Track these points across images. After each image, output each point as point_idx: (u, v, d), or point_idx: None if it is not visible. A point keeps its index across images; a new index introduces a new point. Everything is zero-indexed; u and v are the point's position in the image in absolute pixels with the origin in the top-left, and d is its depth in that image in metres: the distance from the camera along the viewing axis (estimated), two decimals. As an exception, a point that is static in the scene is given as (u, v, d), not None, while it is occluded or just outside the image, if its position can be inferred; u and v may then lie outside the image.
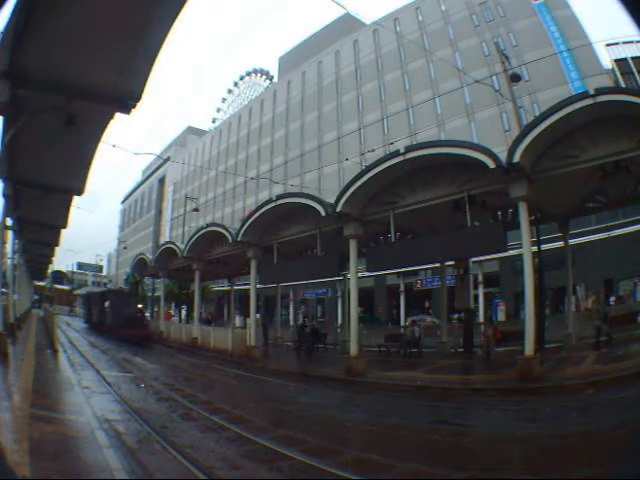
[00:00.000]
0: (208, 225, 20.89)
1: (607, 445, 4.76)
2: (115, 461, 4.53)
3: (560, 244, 15.01)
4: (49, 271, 41.74)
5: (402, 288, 34.26)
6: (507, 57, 18.47)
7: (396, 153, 11.58)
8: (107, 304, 26.01)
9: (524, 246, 10.36)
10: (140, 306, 26.30)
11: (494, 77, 22.55)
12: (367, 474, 4.71)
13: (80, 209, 18.84)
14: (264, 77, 72.63)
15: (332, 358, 16.02)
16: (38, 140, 8.65)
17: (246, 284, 22.89)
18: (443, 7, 37.63)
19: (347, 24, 43.50)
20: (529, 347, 9.62)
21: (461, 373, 12.23)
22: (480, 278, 29.28)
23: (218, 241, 19.23)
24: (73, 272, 73.86)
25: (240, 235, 16.45)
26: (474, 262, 22.56)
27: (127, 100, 7.21)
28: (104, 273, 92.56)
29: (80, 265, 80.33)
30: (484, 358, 13.29)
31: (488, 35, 33.67)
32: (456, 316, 19.42)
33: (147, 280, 38.62)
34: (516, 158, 9.62)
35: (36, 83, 6.68)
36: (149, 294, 45.42)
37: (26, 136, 8.21)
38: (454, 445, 5.98)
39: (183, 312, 37.27)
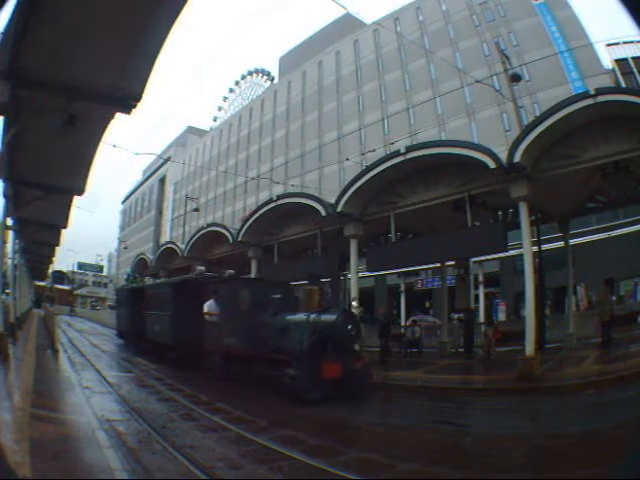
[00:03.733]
0: (209, 225, 20.91)
1: (607, 445, 4.76)
2: (116, 461, 4.54)
3: (560, 244, 15.01)
4: (49, 271, 41.68)
5: (402, 288, 34.26)
6: (507, 57, 18.50)
7: (397, 153, 11.60)
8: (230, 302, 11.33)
9: (524, 246, 10.38)
10: (355, 305, 12.90)
11: (494, 77, 22.56)
12: (367, 474, 4.71)
13: (80, 209, 18.91)
14: (265, 77, 72.65)
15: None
16: (38, 140, 8.65)
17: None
18: (443, 7, 37.64)
19: (347, 24, 43.51)
20: (529, 347, 9.63)
21: (462, 373, 12.22)
22: (480, 278, 29.28)
23: (219, 241, 19.24)
24: (73, 272, 73.85)
25: (241, 235, 16.46)
26: (474, 262, 22.56)
27: (127, 100, 7.20)
28: (104, 273, 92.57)
29: (80, 265, 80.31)
30: (484, 358, 13.29)
31: (488, 35, 33.68)
32: (456, 316, 19.43)
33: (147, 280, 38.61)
34: (516, 158, 9.63)
35: (36, 83, 6.68)
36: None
37: (26, 136, 8.21)
38: (455, 445, 5.98)
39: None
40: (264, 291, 11.27)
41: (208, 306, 11.71)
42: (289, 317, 9.91)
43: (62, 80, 6.70)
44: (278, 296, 10.81)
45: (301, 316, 9.64)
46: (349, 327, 9.30)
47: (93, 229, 77.04)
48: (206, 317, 11.74)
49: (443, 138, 29.31)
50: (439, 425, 7.12)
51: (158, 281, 21.58)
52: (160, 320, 14.61)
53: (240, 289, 11.54)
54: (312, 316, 9.29)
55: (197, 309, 12.09)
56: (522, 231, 10.35)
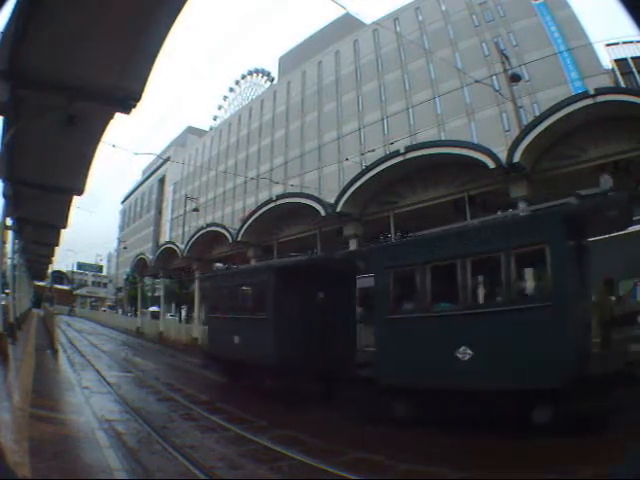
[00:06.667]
0: (208, 225, 20.89)
1: (608, 444, 4.76)
2: (115, 461, 4.54)
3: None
4: (49, 271, 41.66)
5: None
6: (507, 57, 18.50)
7: (396, 153, 11.60)
8: None
9: (524, 246, 10.34)
10: None
11: (494, 77, 22.54)
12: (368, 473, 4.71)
13: (80, 209, 18.89)
14: (264, 78, 72.63)
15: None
16: (38, 140, 8.64)
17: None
18: (443, 7, 37.64)
19: (347, 24, 43.46)
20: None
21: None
22: (480, 278, 29.22)
23: (218, 241, 19.23)
24: (73, 272, 73.82)
25: (240, 235, 16.45)
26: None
27: (127, 100, 7.20)
28: (104, 273, 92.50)
29: (80, 265, 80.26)
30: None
31: (488, 35, 33.66)
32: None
33: (147, 280, 38.61)
34: (516, 158, 9.64)
35: (36, 83, 6.67)
36: (149, 294, 45.44)
37: (26, 136, 8.20)
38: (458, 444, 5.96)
39: (183, 312, 37.33)
40: None
41: None
42: None
43: (62, 80, 6.69)
44: None
45: None
46: None
47: (93, 229, 76.90)
48: None
49: (443, 138, 29.30)
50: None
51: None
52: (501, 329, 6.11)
53: None
54: None
55: None
56: (522, 231, 10.33)
